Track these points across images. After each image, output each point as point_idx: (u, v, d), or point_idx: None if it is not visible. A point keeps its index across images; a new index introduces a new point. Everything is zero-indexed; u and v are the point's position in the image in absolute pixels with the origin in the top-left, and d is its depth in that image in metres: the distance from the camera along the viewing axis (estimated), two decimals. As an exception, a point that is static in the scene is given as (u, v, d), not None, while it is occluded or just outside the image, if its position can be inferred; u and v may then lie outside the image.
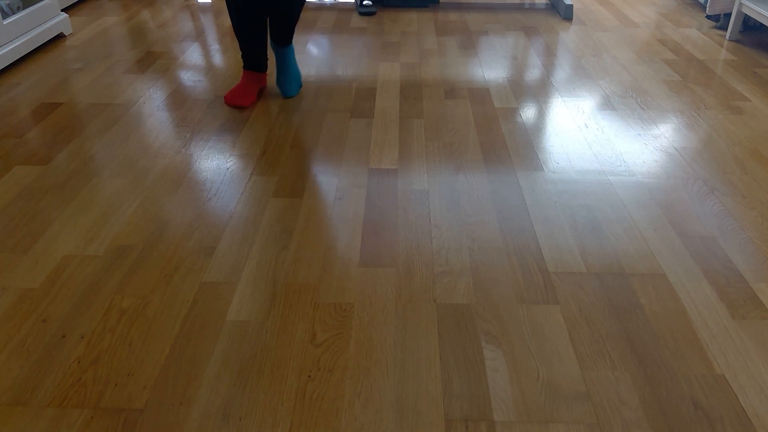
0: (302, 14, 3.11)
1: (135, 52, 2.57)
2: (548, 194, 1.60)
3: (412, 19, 3.05)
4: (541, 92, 2.22)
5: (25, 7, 2.45)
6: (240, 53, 2.43)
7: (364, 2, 3.15)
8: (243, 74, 2.13)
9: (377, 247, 1.40)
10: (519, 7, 3.26)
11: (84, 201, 1.56)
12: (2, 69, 2.36)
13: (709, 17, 3.05)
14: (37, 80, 2.27)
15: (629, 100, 2.15)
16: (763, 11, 2.48)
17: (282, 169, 1.71)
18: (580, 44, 2.71)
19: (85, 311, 1.21)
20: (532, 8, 3.24)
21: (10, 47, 2.32)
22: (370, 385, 1.06)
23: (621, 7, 3.27)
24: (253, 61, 2.10)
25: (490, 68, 2.43)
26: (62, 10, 3.04)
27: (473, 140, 1.87)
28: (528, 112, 2.06)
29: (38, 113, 2.02)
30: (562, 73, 2.39)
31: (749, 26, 2.89)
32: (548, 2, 3.35)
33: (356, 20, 3.03)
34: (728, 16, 2.92)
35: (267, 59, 2.12)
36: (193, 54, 2.56)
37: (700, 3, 3.25)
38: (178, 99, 2.14)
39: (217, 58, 2.52)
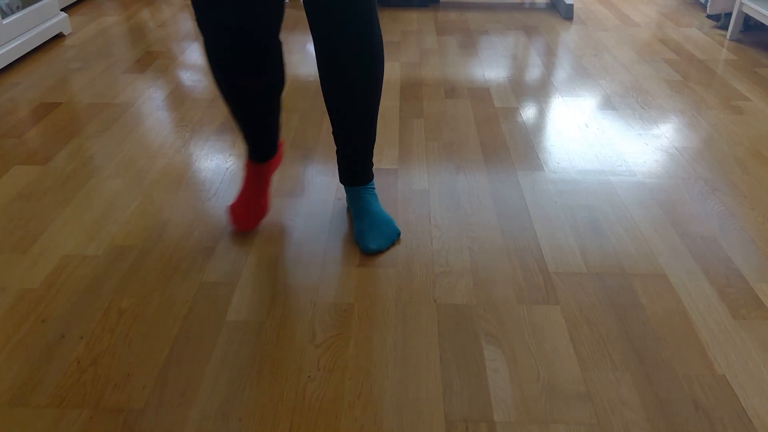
0: (302, 14, 3.11)
1: (134, 51, 2.57)
2: (549, 194, 1.60)
3: (412, 18, 3.05)
4: (541, 92, 2.22)
5: (24, 6, 2.45)
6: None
7: (364, 2, 3.14)
8: (247, 169, 1.46)
9: (377, 247, 1.39)
10: (519, 7, 3.26)
11: (83, 201, 1.56)
12: (1, 68, 2.36)
13: (709, 17, 3.05)
14: (37, 80, 2.27)
15: (630, 100, 2.15)
16: (763, 11, 2.48)
17: (282, 169, 1.71)
18: (580, 44, 2.71)
19: (84, 311, 1.21)
20: (533, 8, 3.24)
21: (10, 47, 2.32)
22: (370, 385, 1.06)
23: (621, 7, 3.27)
24: (261, 149, 1.42)
25: (490, 68, 2.43)
26: (61, 10, 3.04)
27: (473, 140, 1.87)
28: (528, 112, 2.06)
29: (37, 113, 2.02)
30: (562, 72, 2.39)
31: (750, 26, 2.88)
32: (549, 2, 3.34)
33: (356, 20, 3.02)
34: (729, 15, 2.91)
35: (278, 135, 1.45)
36: (192, 53, 2.56)
37: (701, 2, 3.25)
38: (178, 99, 2.14)
39: (217, 58, 2.51)
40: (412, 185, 1.63)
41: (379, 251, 1.37)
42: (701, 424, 0.99)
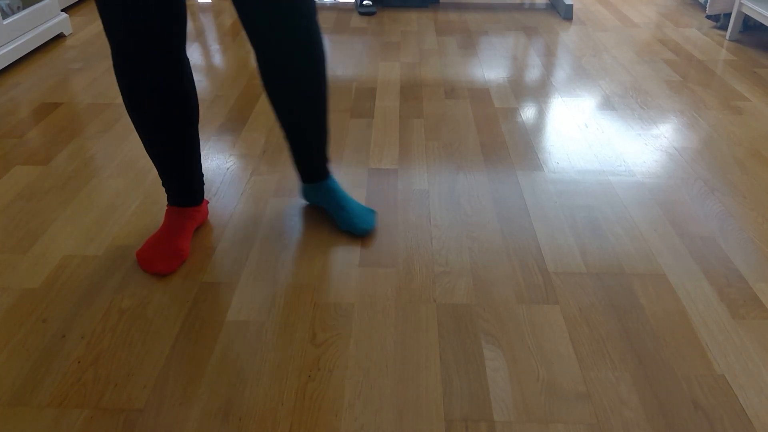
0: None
1: (135, 52, 2.57)
2: (548, 194, 1.60)
3: (412, 19, 3.05)
4: (541, 92, 2.22)
5: (25, 7, 2.45)
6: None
7: (364, 2, 3.15)
8: (166, 213, 1.40)
9: (377, 247, 1.40)
10: (519, 7, 3.26)
11: (84, 201, 1.56)
12: (2, 69, 2.36)
13: (709, 17, 3.05)
14: (37, 80, 2.27)
15: (629, 100, 2.15)
16: (763, 11, 2.48)
17: (282, 169, 1.71)
18: (580, 44, 2.71)
19: (85, 311, 1.21)
20: (532, 8, 3.24)
21: (10, 47, 2.32)
22: (370, 385, 1.06)
23: (621, 7, 3.27)
24: (180, 191, 1.38)
25: (490, 68, 2.43)
26: (62, 10, 3.04)
27: (473, 140, 1.87)
28: (528, 112, 2.06)
29: (38, 113, 2.02)
30: (562, 73, 2.39)
31: (749, 26, 2.89)
32: (548, 2, 3.35)
33: (356, 20, 3.03)
34: (728, 16, 2.92)
35: (203, 184, 1.42)
36: (193, 54, 2.56)
37: (700, 3, 3.25)
38: (178, 99, 2.14)
39: (217, 58, 2.52)
40: (412, 185, 1.64)
41: (373, 230, 1.45)
42: (701, 423, 1.00)
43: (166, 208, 1.40)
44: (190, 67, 1.27)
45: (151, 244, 1.35)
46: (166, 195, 1.47)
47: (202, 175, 1.42)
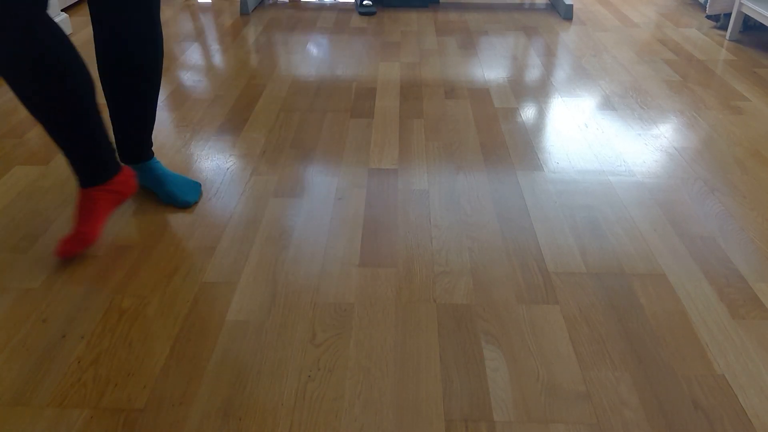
0: (302, 14, 3.11)
1: (135, 52, 2.57)
2: (548, 194, 1.60)
3: (412, 19, 3.05)
4: (541, 92, 2.22)
5: (25, 7, 2.45)
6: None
7: (364, 2, 3.15)
8: (79, 194, 1.36)
9: (377, 247, 1.40)
10: (519, 7, 3.26)
11: (84, 201, 1.56)
12: (2, 69, 2.36)
13: (709, 17, 3.05)
14: (37, 80, 2.27)
15: (629, 100, 2.15)
16: (763, 11, 2.48)
17: (282, 169, 1.71)
18: (580, 44, 2.71)
19: (85, 311, 1.21)
20: (532, 8, 3.24)
21: (10, 47, 2.32)
22: (370, 385, 1.06)
23: (621, 7, 3.27)
24: (80, 169, 1.33)
25: (490, 68, 2.43)
26: (62, 10, 3.04)
27: (473, 140, 1.87)
28: (528, 112, 2.06)
29: (38, 113, 2.02)
30: (562, 73, 2.39)
31: (749, 26, 2.89)
32: (548, 2, 3.35)
33: (356, 20, 3.03)
34: (728, 16, 2.92)
35: (113, 155, 1.37)
36: (193, 54, 2.56)
37: (700, 3, 3.25)
38: (178, 99, 2.14)
39: (217, 58, 2.52)
40: (412, 185, 1.64)
41: (195, 202, 1.54)
42: (700, 423, 1.00)
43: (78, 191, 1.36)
44: (57, 30, 1.17)
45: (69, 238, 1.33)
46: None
47: (110, 146, 1.34)
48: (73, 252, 1.32)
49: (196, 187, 1.57)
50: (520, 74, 2.38)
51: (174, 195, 1.51)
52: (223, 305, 1.23)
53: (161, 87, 2.22)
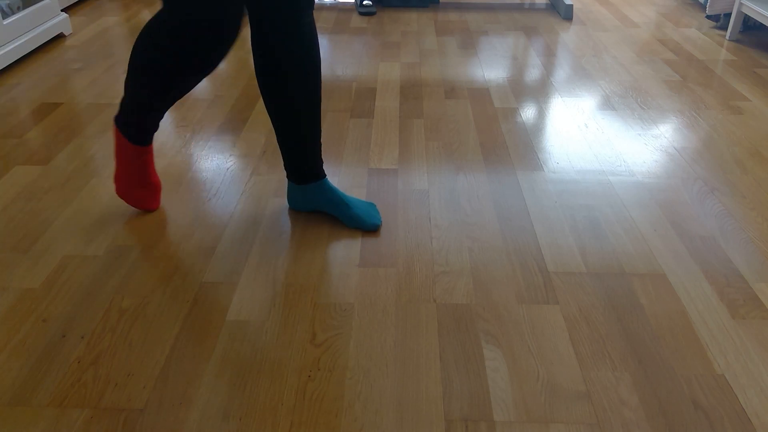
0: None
1: (135, 52, 2.57)
2: (548, 194, 1.60)
3: (412, 19, 3.05)
4: (541, 92, 2.22)
5: (25, 7, 2.45)
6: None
7: (364, 2, 3.15)
8: (134, 151, 1.42)
9: (377, 247, 1.40)
10: (519, 7, 3.26)
11: (84, 201, 1.56)
12: (2, 69, 2.36)
13: (709, 17, 3.05)
14: (37, 80, 2.27)
15: (629, 100, 2.15)
16: (763, 11, 2.48)
17: (282, 169, 1.71)
18: (580, 44, 2.71)
19: (85, 311, 1.21)
20: (532, 8, 3.24)
21: (10, 47, 2.32)
22: (370, 385, 1.06)
23: (621, 7, 3.27)
24: (151, 130, 1.40)
25: (490, 68, 2.43)
26: (62, 10, 3.04)
27: (473, 140, 1.87)
28: (528, 112, 2.06)
29: (38, 113, 2.02)
30: (562, 73, 2.39)
31: (749, 26, 2.89)
32: (548, 2, 3.35)
33: (356, 20, 3.03)
34: (728, 16, 2.92)
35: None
36: (193, 54, 2.56)
37: (700, 3, 3.25)
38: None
39: (217, 58, 2.51)
40: (412, 185, 1.64)
41: (381, 223, 1.48)
42: (700, 423, 1.00)
43: (131, 148, 1.41)
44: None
45: (131, 184, 1.46)
46: (126, 133, 1.40)
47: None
48: (160, 202, 1.53)
49: (374, 208, 1.50)
50: (520, 74, 2.38)
51: (361, 219, 1.45)
52: (223, 305, 1.23)
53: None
